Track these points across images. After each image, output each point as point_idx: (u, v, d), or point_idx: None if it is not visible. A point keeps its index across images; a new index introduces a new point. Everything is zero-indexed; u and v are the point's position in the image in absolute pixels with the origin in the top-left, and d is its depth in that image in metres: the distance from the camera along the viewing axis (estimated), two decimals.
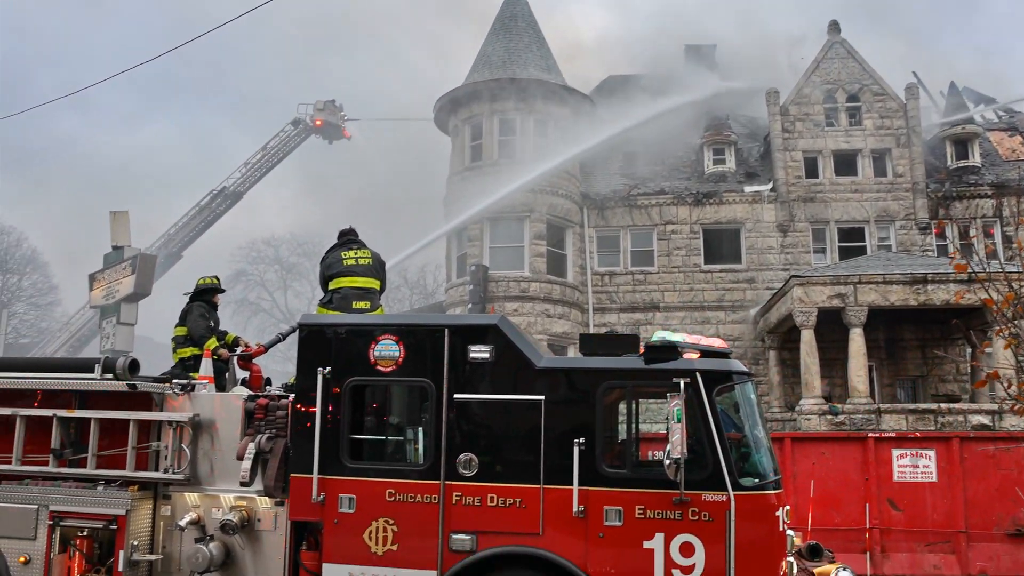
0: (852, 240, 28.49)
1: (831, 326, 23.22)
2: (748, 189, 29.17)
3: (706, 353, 7.23)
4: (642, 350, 7.26)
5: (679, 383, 6.71)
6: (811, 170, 29.08)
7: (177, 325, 10.00)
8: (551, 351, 9.02)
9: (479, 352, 7.25)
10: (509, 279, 27.44)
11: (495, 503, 7.02)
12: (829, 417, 21.66)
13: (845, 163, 29.03)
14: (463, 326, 7.48)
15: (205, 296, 10.11)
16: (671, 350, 7.11)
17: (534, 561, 6.93)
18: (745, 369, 7.37)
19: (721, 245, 29.05)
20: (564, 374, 7.25)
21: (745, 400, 7.37)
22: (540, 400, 7.07)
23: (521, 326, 7.85)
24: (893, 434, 14.96)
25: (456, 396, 7.23)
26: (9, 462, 8.05)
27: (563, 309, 27.90)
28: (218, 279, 10.44)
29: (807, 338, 22.83)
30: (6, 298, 52.98)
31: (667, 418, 6.58)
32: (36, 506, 7.89)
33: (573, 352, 25.68)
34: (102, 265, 33.58)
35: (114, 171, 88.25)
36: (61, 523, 7.82)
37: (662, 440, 6.87)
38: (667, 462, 6.56)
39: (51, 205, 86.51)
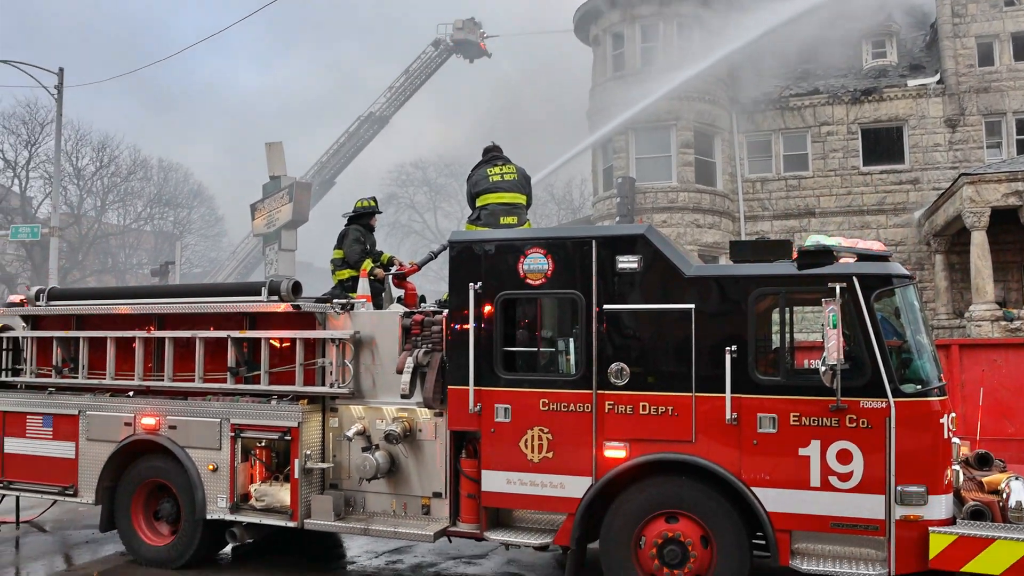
0: None
1: (1006, 226, 21.71)
2: (912, 83, 27.31)
3: (863, 257, 6.94)
4: (795, 255, 7.05)
5: (834, 288, 6.49)
6: (985, 57, 26.85)
7: (335, 248, 10.43)
8: (702, 261, 8.89)
9: (627, 262, 7.23)
10: (657, 190, 27.01)
11: (647, 411, 7.07)
12: (1003, 323, 20.43)
13: None
14: (610, 237, 7.45)
15: (362, 220, 10.45)
16: (826, 255, 6.86)
17: (687, 468, 6.98)
18: (906, 272, 7.02)
19: (881, 145, 27.47)
20: (714, 282, 7.14)
21: (906, 305, 7.05)
22: (690, 309, 7.01)
23: (670, 237, 7.75)
24: None
25: (606, 307, 7.26)
26: (192, 380, 8.75)
27: (713, 218, 27.29)
28: (375, 200, 10.72)
29: (978, 240, 21.43)
30: (178, 231, 56.72)
31: (822, 324, 6.40)
32: (219, 420, 8.54)
33: (724, 262, 25.19)
34: (261, 195, 35.31)
35: (261, 106, 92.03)
36: (242, 435, 8.45)
37: (819, 349, 6.70)
38: (823, 369, 6.42)
39: (208, 142, 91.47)
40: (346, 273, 10.10)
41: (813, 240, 7.05)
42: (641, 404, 7.09)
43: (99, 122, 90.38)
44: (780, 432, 6.71)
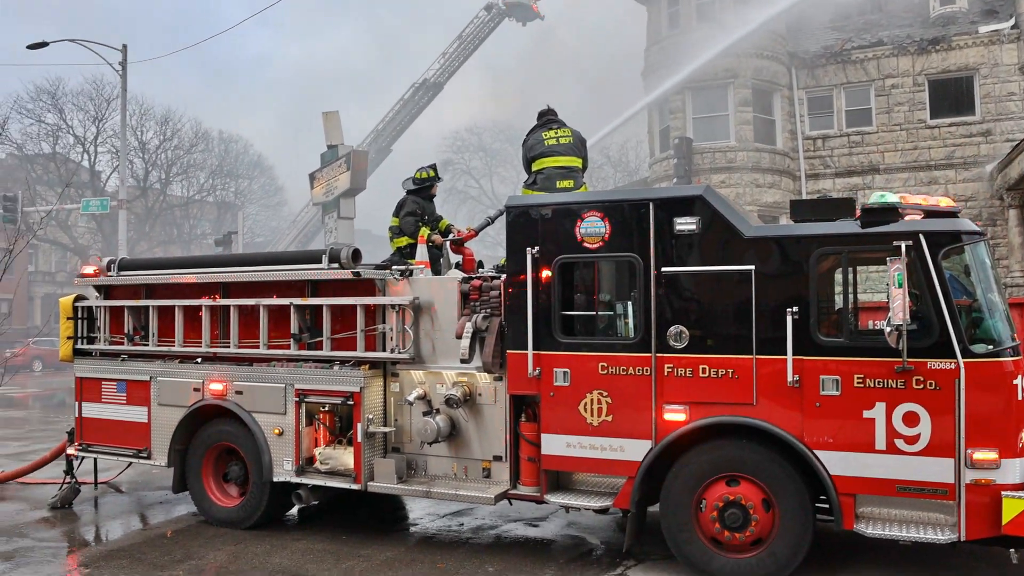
0: None
1: None
2: (984, 29, 26.19)
3: (930, 213, 6.75)
4: (858, 214, 6.88)
5: (900, 246, 6.33)
6: None
7: (393, 215, 10.48)
8: (762, 222, 8.77)
9: (685, 224, 7.15)
10: (715, 150, 26.57)
11: (707, 374, 7.02)
12: None
13: None
14: (668, 198, 7.36)
15: (423, 192, 10.42)
16: (891, 212, 6.68)
17: (748, 431, 6.93)
18: (976, 228, 6.80)
19: (950, 96, 26.48)
20: (775, 242, 7.01)
21: (976, 262, 6.85)
22: (750, 270, 6.92)
23: (729, 197, 7.63)
24: None
25: (664, 269, 7.20)
26: (257, 346, 8.94)
27: (773, 178, 26.76)
28: (435, 169, 10.60)
29: None
30: (240, 201, 57.66)
31: (887, 284, 6.26)
32: (284, 385, 8.73)
33: (785, 222, 24.69)
34: (320, 164, 35.61)
35: (317, 76, 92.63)
36: (306, 399, 8.62)
37: (884, 309, 6.56)
38: (888, 329, 6.29)
39: (266, 113, 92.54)
40: (404, 240, 10.15)
41: (877, 197, 6.87)
42: (701, 367, 7.05)
43: (160, 97, 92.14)
44: (844, 394, 6.61)
